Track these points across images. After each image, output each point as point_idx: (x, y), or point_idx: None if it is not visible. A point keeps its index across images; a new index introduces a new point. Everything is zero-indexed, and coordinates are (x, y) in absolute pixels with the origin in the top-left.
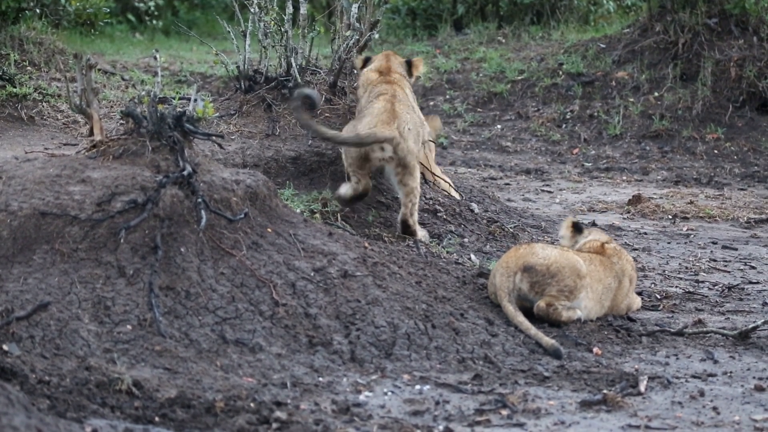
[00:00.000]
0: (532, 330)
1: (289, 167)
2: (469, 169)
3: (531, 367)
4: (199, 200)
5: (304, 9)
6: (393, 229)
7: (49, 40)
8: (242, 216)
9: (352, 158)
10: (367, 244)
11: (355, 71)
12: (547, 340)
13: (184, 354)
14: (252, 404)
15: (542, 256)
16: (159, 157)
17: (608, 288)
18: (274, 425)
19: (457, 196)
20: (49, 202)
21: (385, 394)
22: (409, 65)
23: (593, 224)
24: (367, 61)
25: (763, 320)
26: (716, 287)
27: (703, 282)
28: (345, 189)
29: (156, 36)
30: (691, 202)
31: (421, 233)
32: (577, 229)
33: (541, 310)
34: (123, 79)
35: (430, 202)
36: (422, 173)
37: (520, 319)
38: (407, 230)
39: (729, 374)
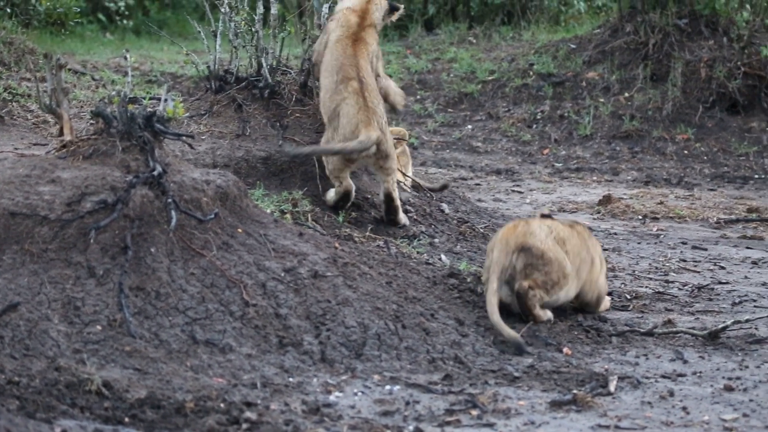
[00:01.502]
0: (496, 316)
1: (260, 167)
2: (440, 170)
3: (501, 368)
4: (170, 200)
5: (274, 9)
6: (364, 230)
7: (19, 39)
8: (212, 216)
9: (335, 161)
10: (337, 245)
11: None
12: (510, 333)
13: (154, 354)
14: (222, 405)
15: (540, 239)
16: (129, 157)
17: (584, 261)
18: (244, 426)
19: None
20: (18, 203)
21: (355, 394)
22: (392, 10)
23: None
24: None
25: (732, 320)
26: (686, 287)
27: (672, 282)
28: (330, 194)
29: (126, 36)
30: (661, 203)
31: (403, 216)
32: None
33: (522, 288)
34: (93, 79)
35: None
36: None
37: (493, 303)
38: (392, 204)
39: (698, 374)
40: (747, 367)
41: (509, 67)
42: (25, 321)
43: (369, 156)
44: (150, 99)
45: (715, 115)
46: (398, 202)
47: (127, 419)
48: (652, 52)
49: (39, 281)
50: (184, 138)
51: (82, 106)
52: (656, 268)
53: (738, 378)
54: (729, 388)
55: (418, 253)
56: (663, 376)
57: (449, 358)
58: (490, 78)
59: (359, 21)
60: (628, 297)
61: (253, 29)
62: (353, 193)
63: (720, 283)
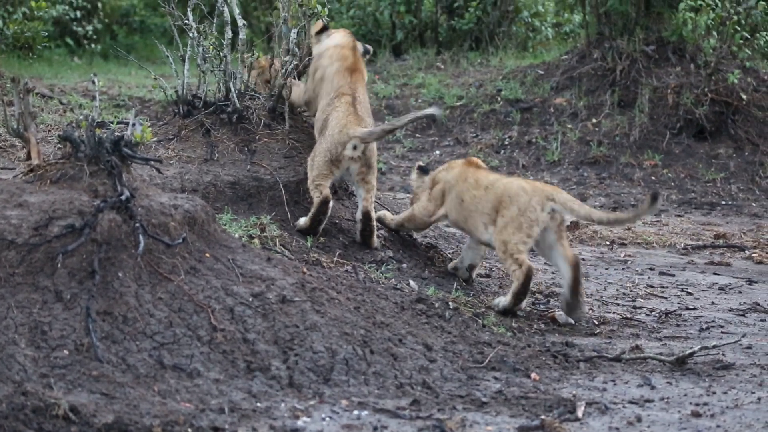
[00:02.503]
0: None
1: (228, 192)
2: (408, 195)
3: (469, 393)
4: (137, 225)
5: (243, 34)
6: (332, 254)
7: None
8: (180, 241)
9: (321, 165)
10: (305, 270)
11: (312, 38)
12: None
13: (121, 379)
14: (189, 430)
15: None
16: (97, 181)
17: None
18: None
19: None
20: None
21: (323, 419)
22: (365, 53)
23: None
24: (325, 29)
25: (699, 346)
26: (653, 313)
27: (640, 308)
28: (302, 220)
29: (94, 60)
30: (629, 229)
31: (376, 239)
32: (423, 171)
33: None
34: (61, 103)
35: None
36: None
37: None
38: (369, 224)
39: (666, 400)
40: (714, 393)
41: (477, 92)
42: None
43: (355, 160)
44: (118, 123)
45: (682, 141)
46: (375, 223)
47: None
48: (619, 78)
49: (6, 305)
50: (152, 162)
51: (49, 130)
52: (624, 293)
53: (705, 404)
54: (696, 414)
55: (386, 278)
56: (630, 402)
57: (417, 383)
58: (458, 103)
59: (353, 54)
60: (596, 323)
61: (221, 54)
62: (330, 206)
63: (687, 309)
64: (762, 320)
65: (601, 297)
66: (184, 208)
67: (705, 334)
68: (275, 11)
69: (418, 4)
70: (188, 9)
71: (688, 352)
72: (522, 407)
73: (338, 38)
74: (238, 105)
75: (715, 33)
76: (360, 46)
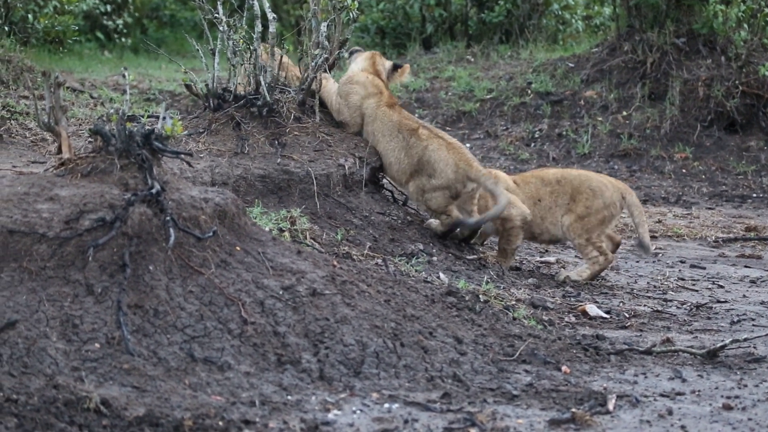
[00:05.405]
0: None
1: (258, 185)
2: None
3: (500, 386)
4: (168, 218)
5: (273, 27)
6: (362, 248)
7: (17, 57)
8: (211, 234)
9: (440, 202)
10: (335, 263)
11: (346, 62)
12: None
13: (152, 372)
14: (220, 423)
15: None
16: (127, 175)
17: None
18: None
19: None
20: (17, 220)
21: (354, 412)
22: (396, 68)
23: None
24: (351, 54)
25: (731, 339)
26: (684, 306)
27: (671, 301)
28: (436, 223)
29: (125, 54)
30: (660, 221)
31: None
32: None
33: None
34: (91, 97)
35: (398, 222)
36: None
37: None
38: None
39: (697, 393)
40: (745, 385)
41: (507, 85)
42: (24, 339)
43: (474, 190)
44: (148, 117)
45: (713, 134)
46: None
47: None
48: (650, 70)
49: (37, 299)
50: (182, 156)
51: (80, 124)
52: (655, 286)
53: (737, 397)
54: (728, 407)
55: (416, 271)
56: (662, 395)
57: (448, 376)
58: (488, 96)
59: (384, 82)
60: (627, 315)
61: (251, 47)
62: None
63: (718, 301)
64: None
65: (632, 290)
66: (215, 202)
67: (736, 327)
68: (305, 4)
69: None
70: (218, 3)
71: (719, 345)
72: (553, 400)
73: (362, 62)
74: (268, 98)
75: (745, 25)
76: (386, 64)
